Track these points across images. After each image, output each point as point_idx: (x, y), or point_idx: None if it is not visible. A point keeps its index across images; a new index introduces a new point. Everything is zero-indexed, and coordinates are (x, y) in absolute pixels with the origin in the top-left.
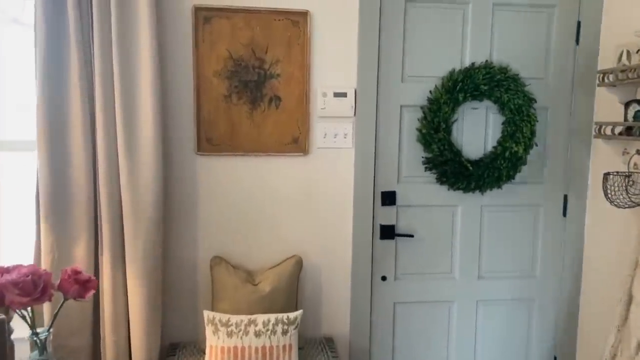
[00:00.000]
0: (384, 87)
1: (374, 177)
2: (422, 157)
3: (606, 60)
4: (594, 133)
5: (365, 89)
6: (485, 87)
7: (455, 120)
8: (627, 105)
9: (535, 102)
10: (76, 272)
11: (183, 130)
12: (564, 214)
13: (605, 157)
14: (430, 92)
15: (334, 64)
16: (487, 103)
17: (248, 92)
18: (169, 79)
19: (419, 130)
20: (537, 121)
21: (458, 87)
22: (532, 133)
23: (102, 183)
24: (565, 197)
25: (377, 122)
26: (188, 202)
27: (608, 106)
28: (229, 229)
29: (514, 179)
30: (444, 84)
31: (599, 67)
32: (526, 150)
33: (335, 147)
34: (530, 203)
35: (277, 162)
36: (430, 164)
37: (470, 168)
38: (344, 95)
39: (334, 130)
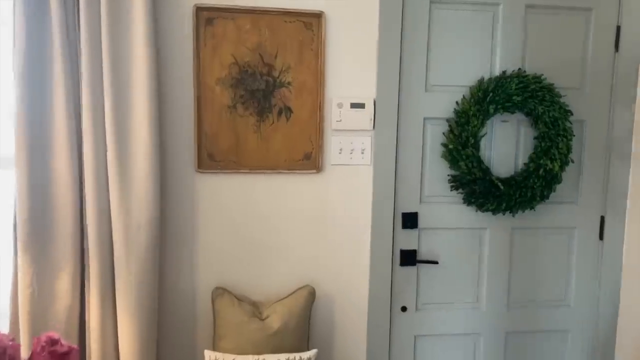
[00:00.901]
0: (405, 97)
1: (394, 197)
2: (448, 176)
3: None
4: (634, 149)
5: (385, 99)
6: (519, 98)
7: (485, 135)
8: None
9: (572, 114)
10: (52, 342)
11: (182, 145)
12: (601, 237)
13: None
14: (457, 103)
15: (351, 71)
16: (518, 116)
17: (255, 102)
18: (167, 88)
19: (445, 145)
20: (574, 135)
21: (488, 98)
22: (569, 148)
23: (89, 205)
24: (602, 218)
25: (397, 137)
26: (187, 225)
27: None
28: (232, 255)
29: (547, 198)
30: (472, 95)
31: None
32: (562, 167)
33: (352, 163)
34: (563, 225)
35: (287, 181)
36: (456, 182)
37: (502, 187)
38: (362, 106)
39: (351, 145)
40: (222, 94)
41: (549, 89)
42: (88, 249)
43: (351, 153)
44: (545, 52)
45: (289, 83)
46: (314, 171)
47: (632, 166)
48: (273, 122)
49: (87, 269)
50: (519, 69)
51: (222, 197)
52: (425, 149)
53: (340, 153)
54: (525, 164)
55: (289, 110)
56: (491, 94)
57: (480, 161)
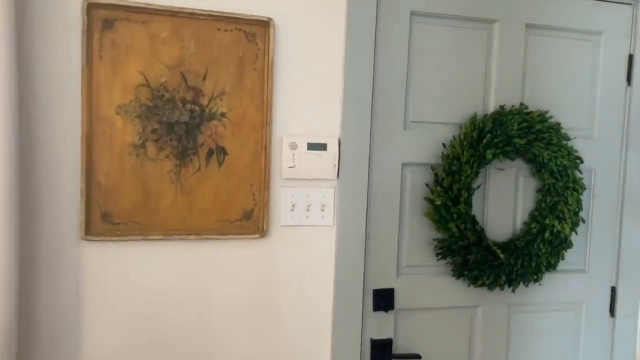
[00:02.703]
0: (379, 136)
1: (364, 268)
2: (434, 240)
3: None
4: None
5: (353, 138)
6: (522, 141)
7: (479, 187)
8: None
9: (582, 162)
10: None
11: (60, 202)
12: (612, 313)
13: None
14: (445, 145)
15: (309, 100)
16: (516, 162)
17: (174, 140)
18: (35, 119)
19: (430, 201)
20: (585, 189)
21: (485, 140)
22: (579, 205)
23: None
24: (613, 290)
25: (369, 188)
26: (65, 321)
27: None
28: None
29: (554, 268)
30: (465, 135)
31: None
32: (573, 228)
33: (309, 224)
34: (569, 299)
35: (218, 250)
36: (444, 249)
37: (502, 256)
38: (323, 147)
39: (307, 200)
40: (126, 127)
41: (556, 130)
42: None
43: (308, 211)
44: (547, 84)
45: (222, 114)
46: (257, 236)
47: None
48: (199, 169)
49: None
50: (521, 104)
51: (122, 275)
52: (403, 205)
53: (292, 210)
54: (525, 223)
55: (222, 151)
56: (488, 135)
57: (474, 222)
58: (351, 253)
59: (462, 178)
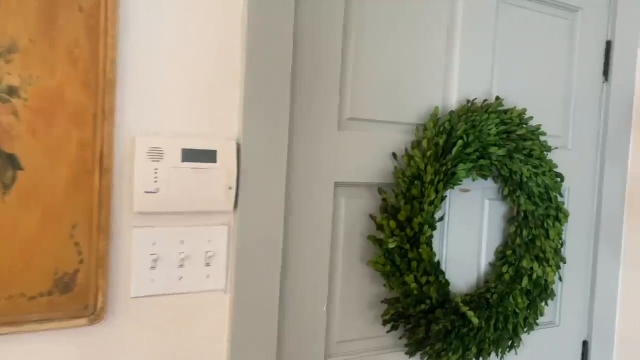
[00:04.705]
0: (302, 140)
1: (277, 352)
2: (382, 302)
3: None
4: (624, 244)
5: (260, 142)
6: (501, 152)
7: (442, 218)
8: None
9: (562, 180)
10: None
11: None
12: None
13: None
14: (395, 156)
15: (186, 78)
16: (481, 181)
17: None
18: None
19: (379, 242)
20: (569, 215)
21: (455, 150)
22: (561, 239)
23: None
24: (585, 344)
25: (286, 223)
26: None
27: None
28: None
29: (533, 329)
30: (428, 141)
31: (634, 120)
32: (556, 272)
33: (184, 291)
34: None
35: (5, 354)
36: (395, 314)
37: (476, 321)
38: (210, 157)
39: (181, 249)
40: None
41: (538, 137)
42: None
43: (182, 267)
44: (519, 73)
45: (11, 91)
46: (85, 321)
47: (621, 269)
48: None
49: None
50: (497, 97)
51: None
52: (336, 248)
53: (153, 269)
54: (492, 265)
55: (10, 163)
56: (460, 142)
57: (439, 272)
58: (256, 332)
59: (425, 206)
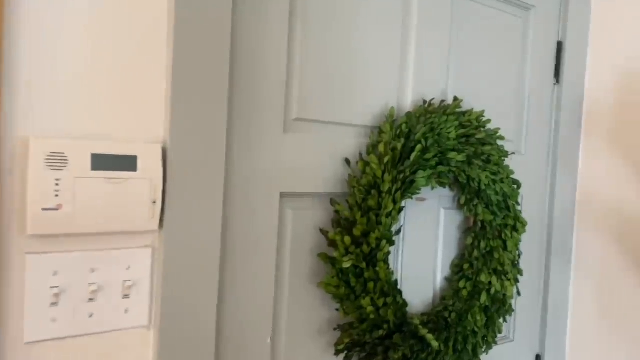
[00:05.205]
0: (242, 143)
1: None
2: (335, 328)
3: (597, 106)
4: (575, 251)
5: (192, 147)
6: (460, 157)
7: (400, 231)
8: None
9: (519, 187)
10: None
11: None
12: None
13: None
14: (348, 163)
15: (97, 64)
16: (439, 190)
17: None
18: None
19: (332, 261)
20: (527, 224)
21: (414, 155)
22: (519, 251)
23: None
24: (538, 358)
25: (224, 243)
26: None
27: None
28: None
29: (491, 347)
30: (384, 144)
31: (585, 124)
32: (515, 285)
33: (96, 331)
34: None
35: None
36: (349, 342)
37: (436, 344)
38: (128, 164)
39: (92, 279)
40: None
41: (495, 140)
42: None
43: (92, 301)
44: (474, 73)
45: None
46: None
47: (572, 279)
48: None
49: None
50: (456, 97)
51: None
52: (282, 269)
53: (55, 306)
54: (448, 279)
55: None
56: (419, 147)
57: (397, 292)
58: None
59: (383, 219)
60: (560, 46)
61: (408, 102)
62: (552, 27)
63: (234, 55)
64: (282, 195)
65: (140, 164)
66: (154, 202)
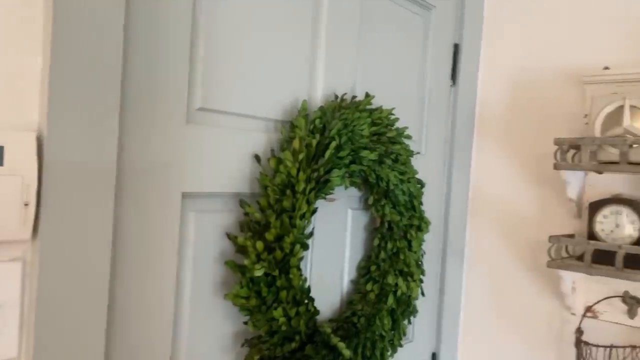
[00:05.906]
0: (138, 134)
1: None
2: (244, 344)
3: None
4: (467, 252)
5: (75, 136)
6: (373, 156)
7: (312, 234)
8: (594, 207)
9: (423, 187)
10: None
11: None
12: None
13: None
14: (259, 159)
15: None
16: (347, 189)
17: None
18: None
19: (240, 269)
20: (430, 223)
21: (329, 152)
22: (423, 251)
23: None
24: (434, 356)
25: (115, 251)
26: None
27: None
28: None
29: (396, 351)
30: (299, 140)
31: (477, 124)
32: (419, 286)
33: None
34: None
35: None
36: (258, 357)
37: (347, 353)
38: None
39: None
40: None
41: (403, 139)
42: None
43: None
44: (379, 70)
45: None
46: None
47: (465, 276)
48: None
49: None
50: (368, 94)
51: None
52: (183, 280)
53: None
54: (354, 282)
55: None
56: (334, 144)
57: (310, 299)
58: None
59: (297, 221)
60: (456, 48)
61: (318, 96)
62: (450, 29)
63: (129, 28)
64: (185, 195)
65: (7, 156)
66: (26, 205)
